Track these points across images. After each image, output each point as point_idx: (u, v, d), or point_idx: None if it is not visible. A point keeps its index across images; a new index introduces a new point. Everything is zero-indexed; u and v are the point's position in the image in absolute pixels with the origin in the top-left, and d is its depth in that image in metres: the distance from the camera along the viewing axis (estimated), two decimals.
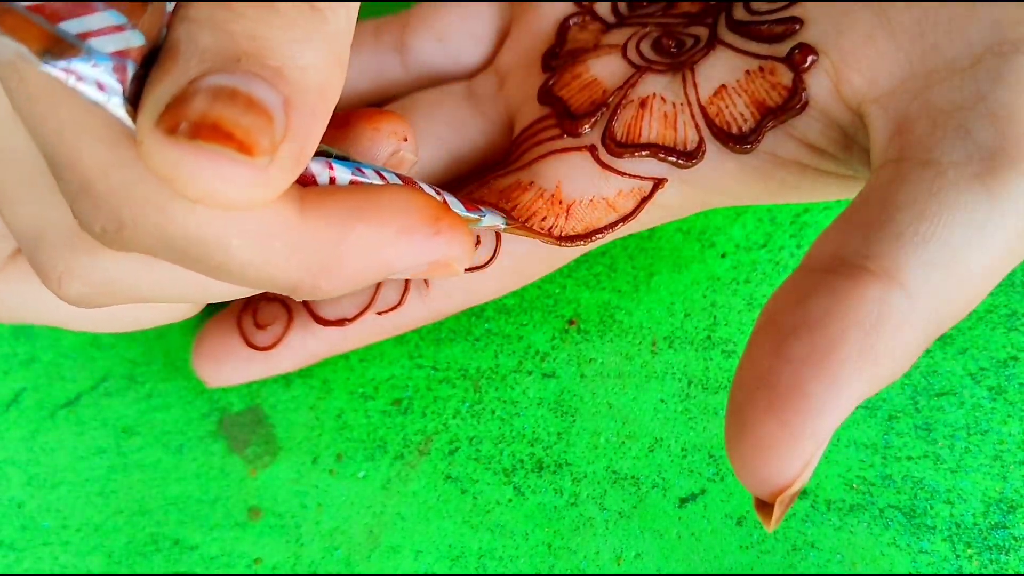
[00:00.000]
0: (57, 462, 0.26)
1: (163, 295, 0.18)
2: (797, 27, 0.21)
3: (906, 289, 0.16)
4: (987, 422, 0.25)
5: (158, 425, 0.27)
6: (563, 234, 0.22)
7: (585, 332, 0.26)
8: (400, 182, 0.18)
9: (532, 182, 0.23)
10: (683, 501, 0.25)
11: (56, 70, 0.13)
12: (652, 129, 0.22)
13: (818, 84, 0.20)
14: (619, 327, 0.26)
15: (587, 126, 0.23)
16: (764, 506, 0.16)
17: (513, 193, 0.23)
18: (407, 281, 0.23)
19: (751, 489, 0.16)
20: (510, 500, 0.25)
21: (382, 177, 0.18)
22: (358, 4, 0.16)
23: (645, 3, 0.25)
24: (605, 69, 0.23)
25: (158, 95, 0.14)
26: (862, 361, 0.16)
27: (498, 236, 0.23)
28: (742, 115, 0.21)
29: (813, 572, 0.24)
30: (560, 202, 0.22)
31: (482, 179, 0.24)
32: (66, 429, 0.27)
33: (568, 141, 0.23)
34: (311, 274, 0.16)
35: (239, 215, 0.15)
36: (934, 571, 0.24)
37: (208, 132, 0.13)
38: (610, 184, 0.22)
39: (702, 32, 0.23)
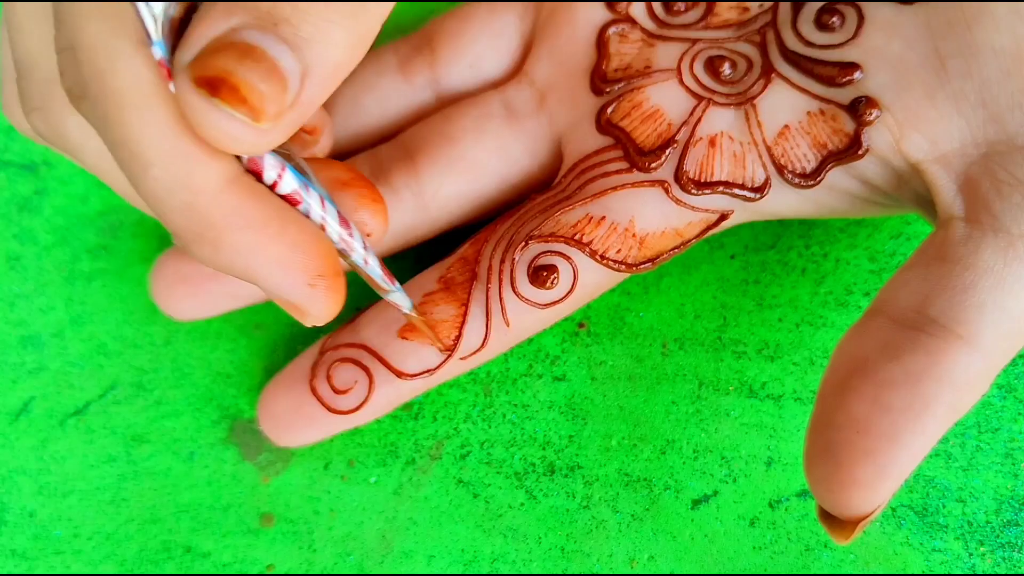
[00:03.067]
0: (67, 471, 0.26)
1: (98, 171, 0.20)
2: (858, 75, 0.22)
3: (984, 350, 0.19)
4: (997, 420, 0.25)
5: (168, 433, 0.27)
6: (636, 262, 0.23)
7: (595, 335, 0.26)
8: (337, 220, 0.19)
9: (604, 217, 0.23)
10: (696, 503, 0.25)
11: None
12: (723, 168, 0.23)
13: (879, 137, 0.22)
14: (629, 329, 0.26)
15: (659, 163, 0.23)
16: (839, 525, 0.19)
17: (586, 228, 0.23)
18: (488, 323, 0.23)
19: (836, 513, 0.19)
20: (522, 504, 0.25)
21: (323, 204, 0.19)
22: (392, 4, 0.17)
23: (682, 6, 0.25)
24: (665, 98, 0.24)
25: (198, 35, 0.16)
26: (949, 416, 0.19)
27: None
28: (805, 156, 0.22)
29: (827, 572, 0.24)
30: (634, 235, 0.23)
31: (543, 207, 0.24)
32: (76, 438, 0.27)
33: (639, 176, 0.23)
34: (191, 235, 0.17)
35: (172, 154, 0.16)
36: (947, 570, 0.24)
37: (227, 93, 0.15)
38: (681, 216, 0.23)
39: (752, 53, 0.23)
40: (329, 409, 0.24)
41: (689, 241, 0.23)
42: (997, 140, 0.20)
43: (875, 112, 0.21)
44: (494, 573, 0.25)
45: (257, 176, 0.18)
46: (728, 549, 0.25)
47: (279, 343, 0.27)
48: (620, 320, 0.26)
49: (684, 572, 0.25)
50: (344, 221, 0.19)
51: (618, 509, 0.25)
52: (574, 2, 0.25)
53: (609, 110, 0.24)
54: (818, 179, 0.22)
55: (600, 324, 0.26)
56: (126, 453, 0.26)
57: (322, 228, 0.19)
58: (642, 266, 0.23)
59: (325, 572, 0.25)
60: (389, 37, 0.28)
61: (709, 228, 0.23)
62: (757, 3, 0.24)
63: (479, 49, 0.26)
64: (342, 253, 0.20)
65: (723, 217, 0.23)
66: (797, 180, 0.22)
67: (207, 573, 0.25)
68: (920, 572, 0.24)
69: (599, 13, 0.25)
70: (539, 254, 0.23)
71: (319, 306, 0.19)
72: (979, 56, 0.21)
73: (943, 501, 0.25)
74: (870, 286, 0.26)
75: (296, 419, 0.25)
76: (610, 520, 0.25)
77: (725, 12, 0.24)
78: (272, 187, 0.18)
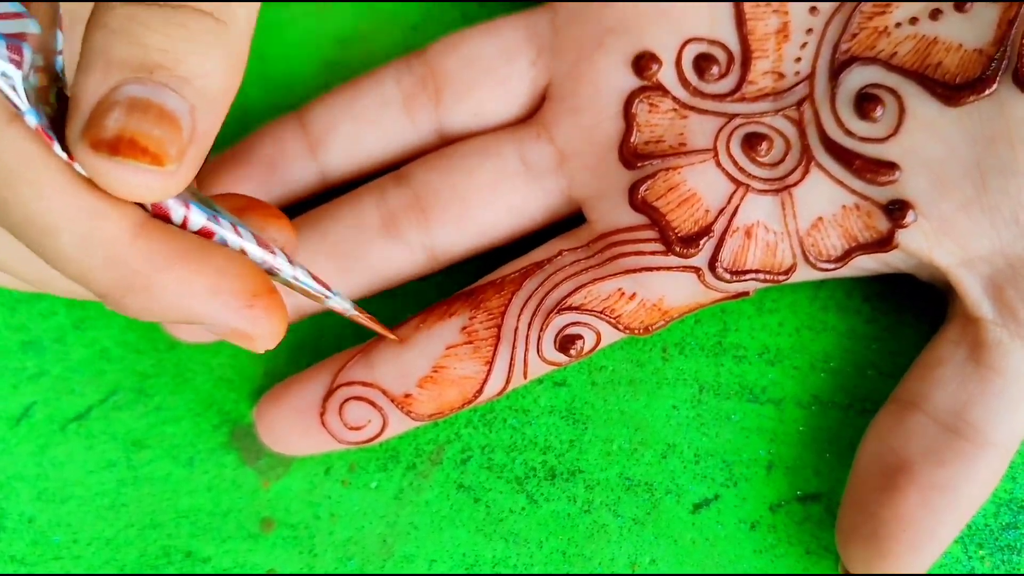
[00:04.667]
0: (67, 476, 0.26)
1: (9, 270, 0.20)
2: (896, 176, 0.22)
3: (1008, 453, 0.22)
4: None
5: (168, 438, 0.26)
6: (654, 327, 0.24)
7: None
8: (255, 242, 0.19)
9: (635, 293, 0.23)
10: (697, 507, 0.25)
11: None
12: (756, 257, 0.23)
13: (911, 239, 0.22)
14: None
15: (697, 252, 0.23)
16: None
17: (616, 303, 0.23)
18: (509, 379, 0.24)
19: None
20: (523, 508, 0.25)
21: (237, 231, 0.19)
22: (258, 5, 0.18)
23: (714, 70, 0.24)
24: (702, 181, 0.23)
25: (82, 105, 0.16)
26: (976, 507, 0.22)
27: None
28: (834, 246, 0.23)
29: (827, 575, 0.24)
30: (662, 311, 0.24)
31: (571, 273, 0.24)
32: (76, 443, 0.27)
33: (673, 260, 0.23)
34: (119, 290, 0.17)
35: (78, 214, 0.16)
36: (946, 572, 0.24)
37: (126, 147, 0.16)
38: (707, 296, 0.24)
39: (791, 133, 0.23)
40: (338, 440, 0.24)
41: (703, 305, 0.24)
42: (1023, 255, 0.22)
43: (912, 215, 0.22)
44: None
45: (165, 219, 0.18)
46: (729, 553, 0.25)
47: (280, 349, 0.27)
48: None
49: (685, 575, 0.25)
50: (262, 242, 0.19)
51: (619, 513, 0.25)
52: (595, 61, 0.24)
53: (643, 188, 0.23)
54: (842, 264, 0.23)
55: None
56: (126, 458, 0.26)
57: (242, 253, 0.19)
58: (655, 327, 0.24)
59: None
60: (391, 41, 0.28)
61: (725, 299, 0.24)
62: (793, 71, 0.23)
63: (485, 94, 0.25)
64: (271, 273, 0.20)
65: (744, 294, 0.24)
66: (822, 264, 0.23)
67: None
68: (919, 575, 0.24)
69: (625, 78, 0.24)
70: (568, 324, 0.23)
71: (263, 326, 0.19)
72: (1019, 176, 0.21)
73: None
74: (870, 291, 0.26)
75: (300, 439, 0.25)
76: (611, 524, 0.25)
77: (760, 80, 0.23)
78: (183, 226, 0.18)
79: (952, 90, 0.21)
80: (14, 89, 0.16)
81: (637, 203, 0.23)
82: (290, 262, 0.20)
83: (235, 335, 0.19)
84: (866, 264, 0.23)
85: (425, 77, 0.25)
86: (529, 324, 0.24)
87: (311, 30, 0.29)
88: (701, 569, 0.25)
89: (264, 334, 0.19)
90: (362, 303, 0.25)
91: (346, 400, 0.24)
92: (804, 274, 0.23)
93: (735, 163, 0.23)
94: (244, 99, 0.29)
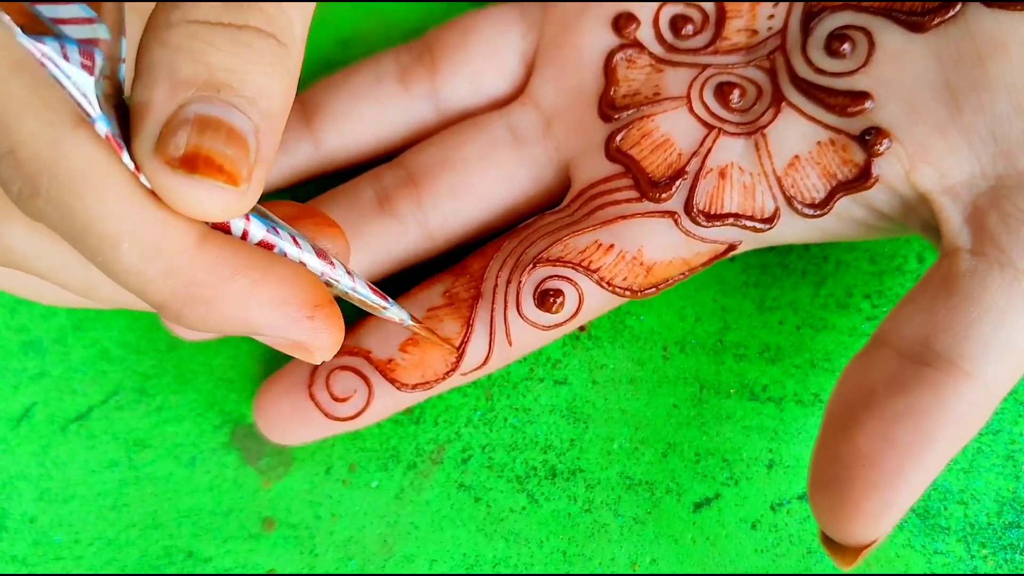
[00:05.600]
0: (69, 476, 0.26)
1: (53, 278, 0.19)
2: (868, 104, 0.22)
3: (987, 385, 0.20)
4: (998, 422, 0.25)
5: (170, 438, 0.27)
6: (641, 288, 0.23)
7: (596, 338, 0.26)
8: (314, 253, 0.19)
9: (613, 244, 0.23)
10: (697, 506, 0.25)
11: (30, 44, 0.15)
12: (733, 200, 0.23)
13: (889, 167, 0.22)
14: (630, 332, 0.26)
15: (670, 195, 0.23)
16: (843, 551, 0.20)
17: (594, 255, 0.23)
18: (492, 343, 0.23)
19: (840, 541, 0.20)
20: (524, 508, 0.25)
21: (296, 243, 0.19)
22: (309, 22, 0.18)
23: (690, 28, 0.24)
24: (675, 126, 0.24)
25: (150, 121, 0.16)
26: (950, 449, 0.19)
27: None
28: (815, 186, 0.22)
29: (828, 574, 0.24)
30: (642, 264, 0.23)
31: (550, 229, 0.24)
32: (77, 443, 0.27)
33: (649, 206, 0.23)
34: (180, 302, 0.17)
35: (141, 224, 0.16)
36: (949, 571, 0.24)
37: (203, 166, 0.16)
38: (690, 247, 0.23)
39: (762, 80, 0.23)
40: (327, 415, 0.24)
41: (696, 269, 0.23)
42: (1006, 175, 0.21)
43: (886, 143, 0.22)
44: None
45: (225, 231, 0.18)
46: (730, 552, 0.25)
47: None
48: (621, 324, 0.26)
49: (686, 575, 0.25)
50: (321, 253, 0.19)
51: (620, 512, 0.25)
52: (578, 26, 0.25)
53: (618, 138, 0.24)
54: (827, 209, 0.22)
55: (601, 328, 0.26)
56: (128, 458, 0.26)
57: (302, 264, 0.19)
58: (646, 292, 0.23)
59: None
60: (391, 41, 0.28)
61: (716, 257, 0.23)
62: (766, 27, 0.24)
63: (479, 64, 0.26)
64: (328, 284, 0.20)
65: (731, 247, 0.23)
66: (806, 210, 0.23)
67: None
68: (922, 574, 0.24)
69: (605, 38, 0.25)
70: (546, 278, 0.23)
71: (323, 337, 0.19)
72: (991, 92, 0.21)
73: (945, 503, 0.25)
74: (870, 288, 0.26)
75: (293, 421, 0.25)
76: (612, 523, 0.25)
77: (734, 36, 0.24)
78: (243, 237, 0.18)
79: (918, 16, 0.22)
80: (85, 96, 0.15)
81: (612, 152, 0.24)
82: (348, 273, 0.20)
83: (294, 346, 0.19)
84: (854, 212, 0.23)
85: (422, 53, 0.26)
86: (508, 281, 0.23)
87: (311, 30, 0.29)
88: (702, 568, 0.25)
89: (324, 345, 0.19)
90: None
91: (333, 371, 0.24)
92: (791, 225, 0.23)
93: (707, 109, 0.24)
94: None
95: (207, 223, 0.17)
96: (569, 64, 0.25)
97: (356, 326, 0.25)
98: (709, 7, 0.25)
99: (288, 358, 0.26)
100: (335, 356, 0.24)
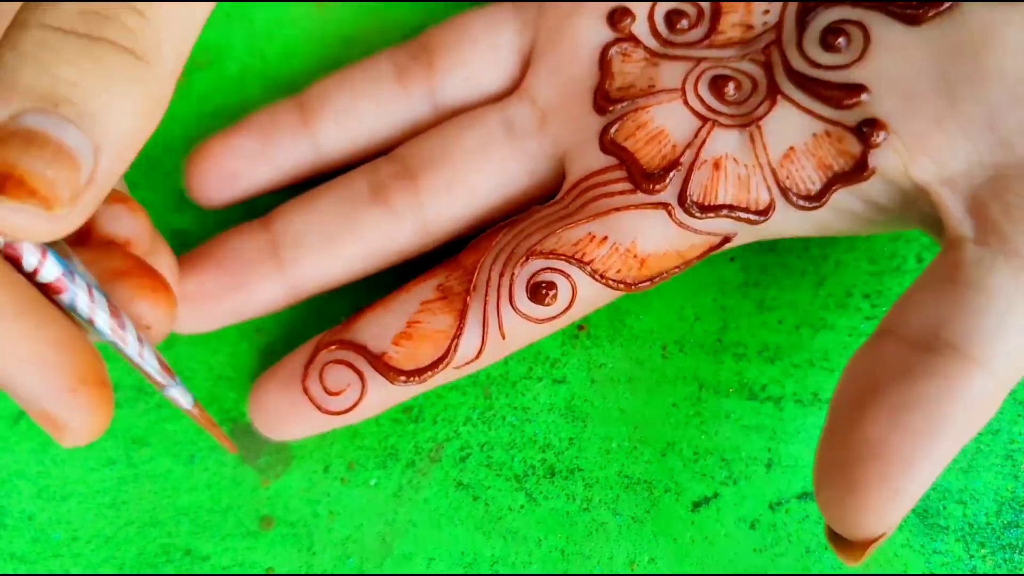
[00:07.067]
0: (67, 474, 0.26)
1: None
2: (864, 97, 0.22)
3: (995, 374, 0.19)
4: (997, 422, 0.25)
5: (168, 435, 0.27)
6: (635, 281, 0.23)
7: (595, 337, 0.26)
8: (107, 311, 0.17)
9: (606, 237, 0.23)
10: (696, 505, 0.25)
11: None
12: (728, 191, 0.23)
13: (886, 159, 0.22)
14: (629, 331, 0.26)
15: (663, 187, 0.23)
16: (847, 546, 0.19)
17: (587, 247, 0.23)
18: (485, 336, 0.23)
19: (847, 535, 0.19)
20: (522, 506, 0.25)
21: (91, 294, 0.17)
22: (190, 43, 0.17)
23: (684, 21, 0.25)
24: (669, 118, 0.24)
25: None
26: (961, 438, 0.19)
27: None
28: (810, 178, 0.22)
29: (827, 573, 0.24)
30: (635, 256, 0.23)
31: (544, 223, 0.24)
32: None
33: (643, 198, 0.23)
34: None
35: None
36: (948, 571, 0.24)
37: (13, 188, 0.14)
38: (684, 239, 0.23)
39: (757, 74, 0.24)
40: (320, 409, 0.24)
41: (690, 261, 0.23)
42: (1005, 164, 0.21)
43: (883, 135, 0.22)
44: (494, 575, 0.25)
45: (15, 262, 0.16)
46: (728, 551, 0.25)
47: (280, 347, 0.27)
48: (620, 323, 0.26)
49: (684, 574, 0.25)
50: (115, 311, 0.18)
51: (618, 511, 0.25)
52: (574, 21, 0.25)
53: (612, 130, 0.24)
54: (823, 201, 0.22)
55: (600, 327, 0.26)
56: (126, 456, 0.26)
57: (91, 321, 0.17)
58: (641, 285, 0.23)
59: (325, 574, 0.25)
60: (392, 41, 0.28)
61: (711, 249, 0.23)
62: (761, 22, 0.24)
63: (475, 60, 0.26)
64: (115, 347, 0.18)
65: (726, 240, 0.23)
66: (802, 202, 0.22)
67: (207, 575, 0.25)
68: (921, 574, 0.24)
69: (601, 32, 0.25)
70: (539, 270, 0.23)
71: (81, 418, 0.17)
72: (988, 82, 0.21)
73: (944, 503, 0.25)
74: (870, 288, 0.26)
75: (287, 416, 0.25)
76: (610, 522, 0.25)
77: (729, 30, 0.24)
78: (32, 275, 0.16)
79: (913, 9, 0.22)
80: None
81: (606, 144, 0.24)
82: (140, 341, 0.18)
83: (44, 418, 0.17)
84: (851, 205, 0.22)
85: (418, 52, 0.26)
86: (501, 274, 0.23)
87: (311, 30, 0.29)
88: (700, 568, 0.25)
89: (78, 427, 0.17)
90: (363, 282, 0.25)
91: (326, 365, 0.24)
92: (787, 218, 0.23)
93: (702, 101, 0.24)
94: (245, 99, 0.29)
95: None
96: (565, 59, 0.25)
97: (351, 319, 0.25)
98: (704, 3, 0.25)
99: (285, 353, 0.26)
100: (333, 347, 0.24)
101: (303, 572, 0.25)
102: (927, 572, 0.24)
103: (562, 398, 0.26)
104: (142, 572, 0.26)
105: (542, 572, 0.25)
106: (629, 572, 0.25)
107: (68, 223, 0.15)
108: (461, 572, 0.25)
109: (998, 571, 0.24)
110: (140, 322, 0.19)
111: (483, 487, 0.26)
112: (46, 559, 0.26)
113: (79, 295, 0.17)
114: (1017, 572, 0.24)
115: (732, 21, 0.24)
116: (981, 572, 0.24)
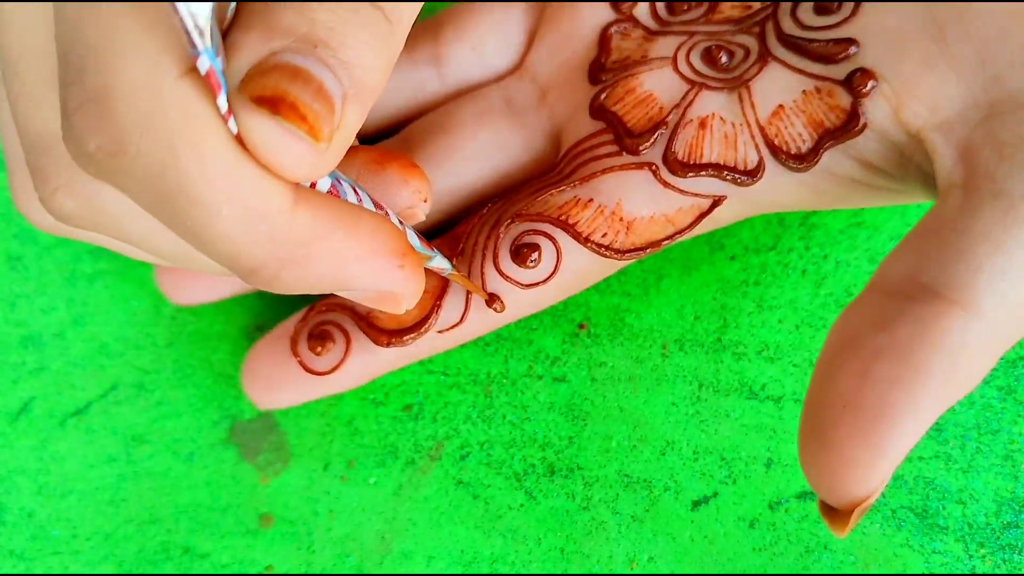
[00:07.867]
0: (67, 471, 0.26)
1: (145, 243, 0.18)
2: (853, 49, 0.22)
3: (984, 318, 0.17)
4: (997, 422, 0.25)
5: (168, 433, 0.27)
6: (623, 248, 0.22)
7: (595, 336, 0.26)
8: (373, 205, 0.19)
9: (592, 199, 0.23)
10: (696, 504, 0.25)
11: None
12: (714, 150, 0.22)
13: (877, 109, 0.21)
14: (629, 330, 0.26)
15: (648, 145, 0.23)
16: (836, 515, 0.18)
17: (572, 210, 0.23)
18: (468, 298, 0.23)
19: (829, 501, 0.18)
20: (522, 505, 0.25)
21: (356, 193, 0.18)
22: (413, 20, 0.17)
23: (685, 6, 0.25)
24: (659, 84, 0.24)
25: (239, 60, 0.15)
26: (944, 386, 0.17)
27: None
28: (800, 135, 0.22)
29: (826, 573, 0.24)
30: (621, 219, 0.23)
31: (534, 190, 0.24)
32: (76, 438, 0.27)
33: (627, 159, 0.23)
34: (277, 263, 0.16)
35: (241, 186, 0.15)
36: (947, 571, 0.24)
37: (287, 110, 0.15)
38: (670, 201, 0.23)
39: (750, 43, 0.23)
40: (305, 368, 0.24)
41: (682, 231, 0.23)
42: (999, 100, 0.20)
43: (871, 83, 0.21)
44: (493, 574, 0.25)
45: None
46: (728, 550, 0.25)
47: None
48: (620, 321, 0.26)
49: (684, 573, 0.25)
50: (378, 204, 0.19)
51: (618, 510, 0.25)
52: (578, 1, 0.26)
53: (602, 96, 0.24)
54: (814, 160, 0.22)
55: (600, 325, 0.26)
56: (126, 453, 0.26)
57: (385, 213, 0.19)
58: (629, 253, 0.22)
59: (324, 573, 0.25)
60: None
61: (702, 216, 0.23)
62: (759, 1, 0.24)
63: (482, 34, 0.26)
64: None
65: (715, 203, 0.22)
66: (792, 163, 0.22)
67: (206, 574, 0.25)
68: (920, 573, 0.24)
69: (603, 13, 0.25)
70: (523, 232, 0.23)
71: (412, 285, 0.19)
72: (977, 19, 0.20)
73: (943, 503, 0.25)
74: None
75: (276, 379, 0.25)
76: (610, 521, 0.25)
77: (728, 11, 0.24)
78: (311, 187, 0.17)
79: None
80: (199, 28, 0.14)
81: (595, 109, 0.24)
82: (400, 223, 0.20)
83: (383, 297, 0.19)
84: (845, 167, 0.22)
85: (427, 26, 0.27)
86: (488, 237, 0.23)
87: None
88: (700, 567, 0.25)
89: (412, 293, 0.19)
90: None
91: (316, 325, 0.24)
92: (779, 182, 0.22)
93: (692, 68, 0.24)
94: None
95: (295, 182, 0.16)
96: (566, 38, 0.26)
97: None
98: None
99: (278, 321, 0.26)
100: (323, 308, 0.24)
101: (302, 570, 0.25)
102: (926, 572, 0.24)
103: (562, 396, 0.26)
104: (141, 570, 0.26)
105: (541, 571, 0.25)
106: (628, 571, 0.25)
107: (326, 162, 0.16)
108: (460, 571, 0.25)
109: (997, 571, 0.24)
110: (413, 200, 0.21)
111: (483, 485, 0.26)
112: (45, 556, 0.26)
113: (349, 196, 0.18)
114: (1016, 572, 0.24)
115: (731, 3, 0.25)
116: (980, 572, 0.24)
